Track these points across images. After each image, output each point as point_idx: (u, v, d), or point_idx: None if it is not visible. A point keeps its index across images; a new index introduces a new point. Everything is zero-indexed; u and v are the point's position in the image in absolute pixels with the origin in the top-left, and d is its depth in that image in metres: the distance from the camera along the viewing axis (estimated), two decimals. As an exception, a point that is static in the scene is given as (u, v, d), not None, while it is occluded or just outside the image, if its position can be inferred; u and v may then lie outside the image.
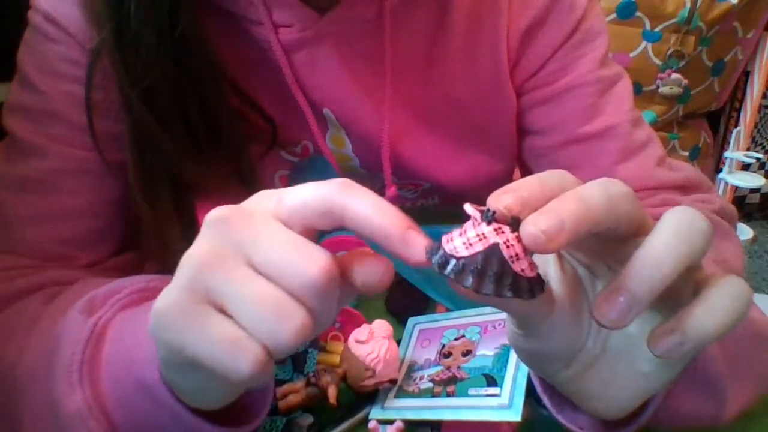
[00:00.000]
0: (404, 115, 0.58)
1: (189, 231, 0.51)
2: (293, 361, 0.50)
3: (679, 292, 0.28)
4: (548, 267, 0.31)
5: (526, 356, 0.33)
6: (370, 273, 0.26)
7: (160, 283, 0.40)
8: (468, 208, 0.25)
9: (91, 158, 0.52)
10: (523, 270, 0.24)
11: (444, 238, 0.25)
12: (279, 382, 0.47)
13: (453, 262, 0.24)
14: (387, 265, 0.26)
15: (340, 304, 0.27)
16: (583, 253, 0.31)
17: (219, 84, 0.51)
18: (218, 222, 0.27)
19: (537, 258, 0.27)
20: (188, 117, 0.49)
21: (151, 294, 0.39)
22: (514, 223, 0.24)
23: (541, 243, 0.24)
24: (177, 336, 0.26)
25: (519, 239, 0.24)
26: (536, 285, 0.25)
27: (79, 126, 0.51)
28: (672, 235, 0.26)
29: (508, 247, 0.24)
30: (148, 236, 0.52)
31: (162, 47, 0.46)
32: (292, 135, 0.59)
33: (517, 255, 0.24)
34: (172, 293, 0.27)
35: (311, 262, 0.25)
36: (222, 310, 0.26)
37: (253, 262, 0.26)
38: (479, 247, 0.24)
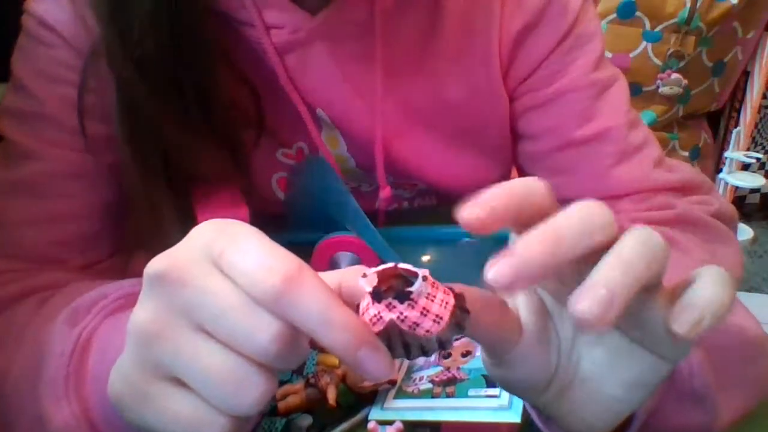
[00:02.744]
0: (397, 116, 0.58)
1: (187, 222, 0.50)
2: (292, 362, 0.50)
3: (641, 313, 0.28)
4: (517, 297, 0.31)
5: (501, 383, 0.33)
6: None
7: None
8: (361, 282, 0.24)
9: (86, 161, 0.52)
10: (428, 331, 0.24)
11: (362, 304, 0.25)
12: (278, 383, 0.47)
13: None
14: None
15: (307, 350, 0.26)
16: (549, 282, 0.31)
17: (213, 58, 0.50)
18: (159, 280, 0.25)
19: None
20: (182, 92, 0.48)
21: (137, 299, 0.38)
22: (399, 295, 0.24)
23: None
24: (136, 417, 0.26)
25: (411, 306, 0.24)
26: (447, 336, 0.24)
27: (72, 129, 0.51)
28: (636, 242, 0.26)
29: (402, 320, 0.24)
30: (140, 224, 0.51)
31: (157, 16, 0.45)
32: (286, 137, 0.59)
33: (414, 323, 0.24)
34: (124, 370, 0.26)
35: (263, 331, 0.23)
36: (179, 381, 0.25)
37: (204, 326, 0.24)
38: (380, 327, 0.24)
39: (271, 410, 0.46)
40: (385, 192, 0.61)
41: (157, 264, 0.25)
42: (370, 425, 0.45)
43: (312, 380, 0.46)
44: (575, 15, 0.58)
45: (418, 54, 0.57)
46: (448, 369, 0.48)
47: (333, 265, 0.56)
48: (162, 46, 0.46)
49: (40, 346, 0.36)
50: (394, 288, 0.24)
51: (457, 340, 0.25)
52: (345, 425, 0.46)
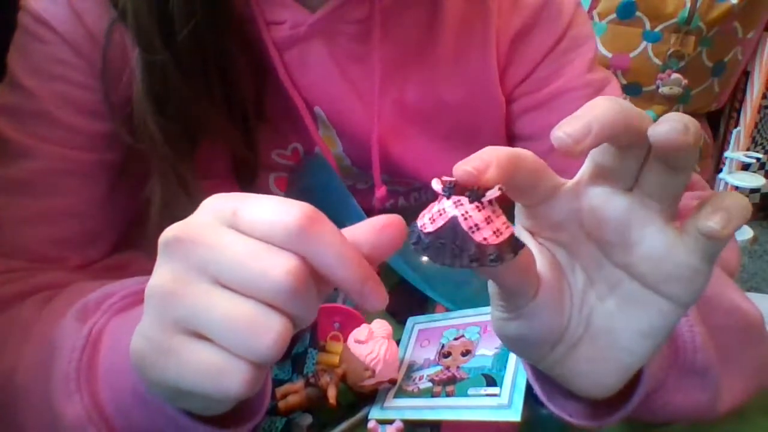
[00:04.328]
0: (394, 115, 0.59)
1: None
2: (293, 362, 0.50)
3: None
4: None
5: (512, 342, 0.33)
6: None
7: None
8: (435, 182, 0.26)
9: (82, 159, 0.52)
10: (485, 239, 0.25)
11: (419, 215, 0.26)
12: (278, 383, 0.47)
13: (421, 237, 0.25)
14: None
15: (320, 297, 0.27)
16: (562, 234, 0.31)
17: (236, 37, 0.51)
18: (173, 244, 0.26)
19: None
20: (207, 67, 0.50)
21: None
22: (472, 195, 0.25)
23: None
24: (158, 373, 0.26)
25: (479, 208, 0.25)
26: (504, 249, 0.25)
27: (68, 126, 0.51)
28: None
29: (466, 219, 0.25)
30: (166, 194, 0.51)
31: None
32: (282, 137, 0.60)
33: (476, 225, 0.25)
34: (144, 330, 0.27)
35: (277, 267, 0.24)
36: (199, 335, 0.25)
37: (219, 279, 0.25)
38: (440, 222, 0.25)
39: (272, 409, 0.46)
40: (381, 191, 0.61)
41: (170, 231, 0.26)
42: (370, 424, 0.45)
43: (312, 379, 0.46)
44: (570, 17, 0.59)
45: (416, 54, 0.58)
46: (447, 368, 0.48)
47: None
48: (194, 22, 0.47)
49: (50, 343, 0.37)
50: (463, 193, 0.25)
51: (511, 257, 0.26)
52: (345, 424, 0.46)
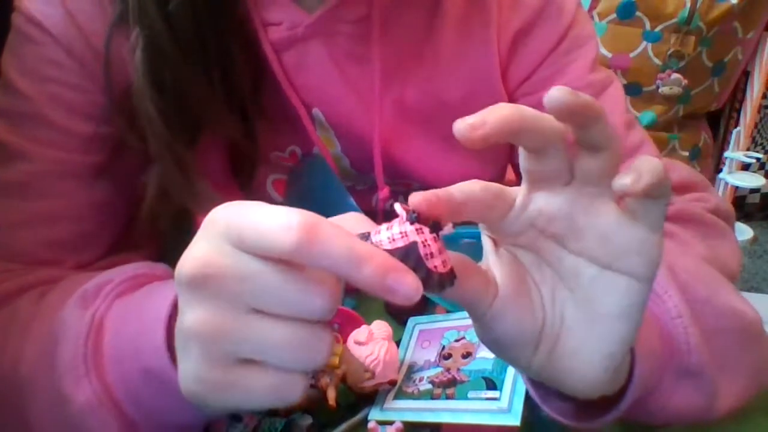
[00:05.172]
0: (394, 116, 0.59)
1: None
2: (292, 363, 0.50)
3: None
4: (488, 257, 0.32)
5: (492, 346, 0.34)
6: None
7: (148, 269, 0.41)
8: (397, 207, 0.28)
9: (76, 161, 0.52)
10: (435, 267, 0.27)
11: (373, 230, 0.28)
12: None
13: None
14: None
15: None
16: (521, 238, 0.32)
17: (235, 36, 0.51)
18: (195, 283, 0.26)
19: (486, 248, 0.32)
20: (205, 52, 0.50)
21: (143, 281, 0.39)
22: (433, 226, 0.27)
23: (463, 133, 0.26)
24: (221, 404, 0.27)
25: (435, 240, 0.27)
26: (446, 280, 0.28)
27: (62, 128, 0.51)
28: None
29: (424, 246, 0.27)
30: (168, 181, 0.51)
31: None
32: (280, 139, 0.60)
33: (431, 253, 0.27)
34: (194, 374, 0.27)
35: (318, 297, 0.25)
36: (251, 361, 0.26)
37: (257, 307, 0.26)
38: (400, 244, 0.26)
39: (272, 410, 0.46)
40: (384, 192, 0.61)
41: (187, 269, 0.26)
42: (370, 425, 0.45)
43: (312, 381, 0.46)
44: (571, 17, 0.58)
45: (415, 54, 0.57)
46: (448, 370, 0.48)
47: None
48: (194, 5, 0.47)
49: (52, 332, 0.37)
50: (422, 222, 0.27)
51: (441, 293, 0.28)
52: (345, 425, 0.46)
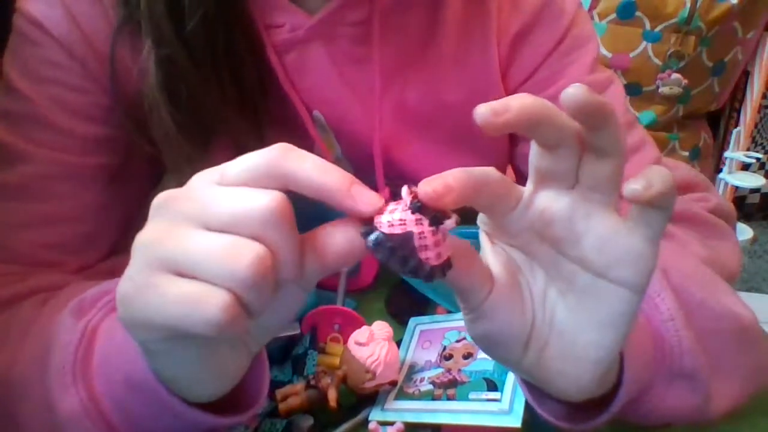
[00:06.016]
0: (394, 118, 0.59)
1: None
2: (293, 364, 0.50)
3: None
4: (485, 252, 0.33)
5: (482, 343, 0.34)
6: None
7: None
8: (404, 190, 0.28)
9: (77, 162, 0.52)
10: (428, 258, 0.27)
11: (383, 211, 0.28)
12: (279, 385, 0.47)
13: (376, 234, 0.27)
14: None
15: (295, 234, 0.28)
16: (517, 239, 0.32)
17: (243, 38, 0.52)
18: (163, 203, 0.28)
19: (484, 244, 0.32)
20: (216, 60, 0.50)
21: None
22: (434, 220, 0.27)
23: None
24: (140, 309, 0.27)
25: (433, 233, 0.27)
26: (437, 272, 0.28)
27: (63, 130, 0.51)
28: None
29: (420, 237, 0.27)
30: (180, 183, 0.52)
31: None
32: (280, 140, 0.59)
33: (426, 245, 0.27)
34: (130, 274, 0.27)
35: (261, 199, 0.26)
36: (180, 274, 0.26)
37: (207, 224, 0.26)
38: (398, 230, 0.27)
39: (272, 411, 0.46)
40: (384, 193, 0.61)
41: (163, 193, 0.28)
42: (371, 426, 0.45)
43: (313, 381, 0.46)
44: (571, 17, 0.58)
45: (416, 56, 0.57)
46: (449, 371, 0.48)
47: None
48: (207, 16, 0.48)
49: (45, 339, 0.37)
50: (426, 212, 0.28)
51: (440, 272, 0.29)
52: (346, 426, 0.46)
